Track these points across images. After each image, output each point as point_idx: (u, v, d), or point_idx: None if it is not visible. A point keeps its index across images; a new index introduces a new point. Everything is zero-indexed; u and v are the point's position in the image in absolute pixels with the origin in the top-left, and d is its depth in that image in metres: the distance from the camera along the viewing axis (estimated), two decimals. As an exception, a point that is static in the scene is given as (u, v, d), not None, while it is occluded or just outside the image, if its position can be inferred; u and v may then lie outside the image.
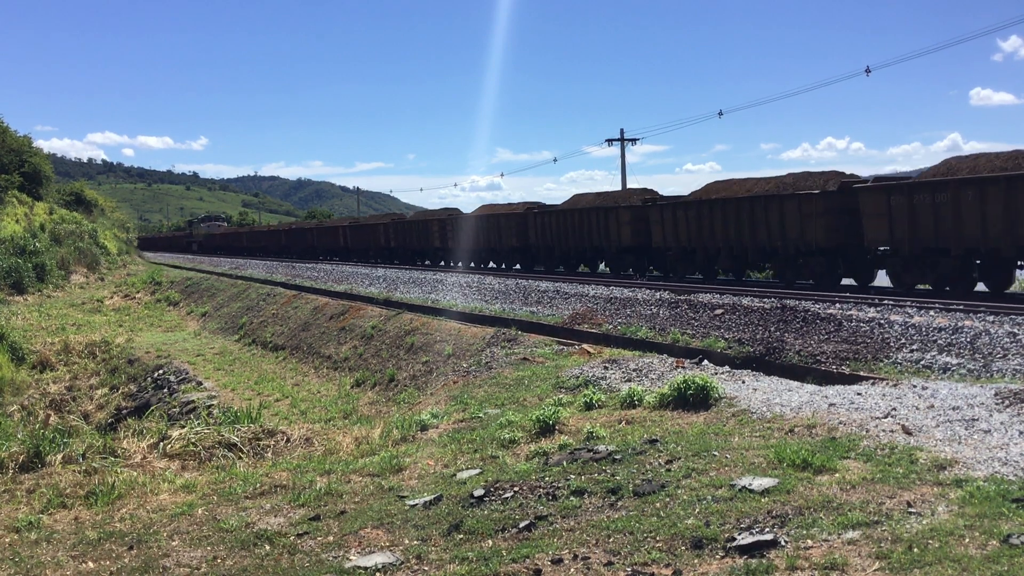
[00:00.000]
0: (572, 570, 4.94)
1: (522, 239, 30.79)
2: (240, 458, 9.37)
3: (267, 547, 5.98)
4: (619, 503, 5.93)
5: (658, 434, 7.46)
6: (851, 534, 4.79)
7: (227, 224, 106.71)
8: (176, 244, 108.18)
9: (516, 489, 6.55)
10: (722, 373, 10.38)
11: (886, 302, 14.04)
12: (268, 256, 61.79)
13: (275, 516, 6.74)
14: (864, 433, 6.68)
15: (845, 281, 19.69)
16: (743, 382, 9.55)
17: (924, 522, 4.83)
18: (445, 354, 15.89)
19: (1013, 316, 11.71)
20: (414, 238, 40.78)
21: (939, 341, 10.68)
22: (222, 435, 9.88)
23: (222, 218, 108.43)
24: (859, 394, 8.10)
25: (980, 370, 9.23)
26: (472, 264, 34.55)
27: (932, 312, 12.60)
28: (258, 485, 7.74)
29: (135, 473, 8.55)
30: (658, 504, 5.74)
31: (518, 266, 32.29)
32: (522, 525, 5.75)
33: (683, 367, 10.91)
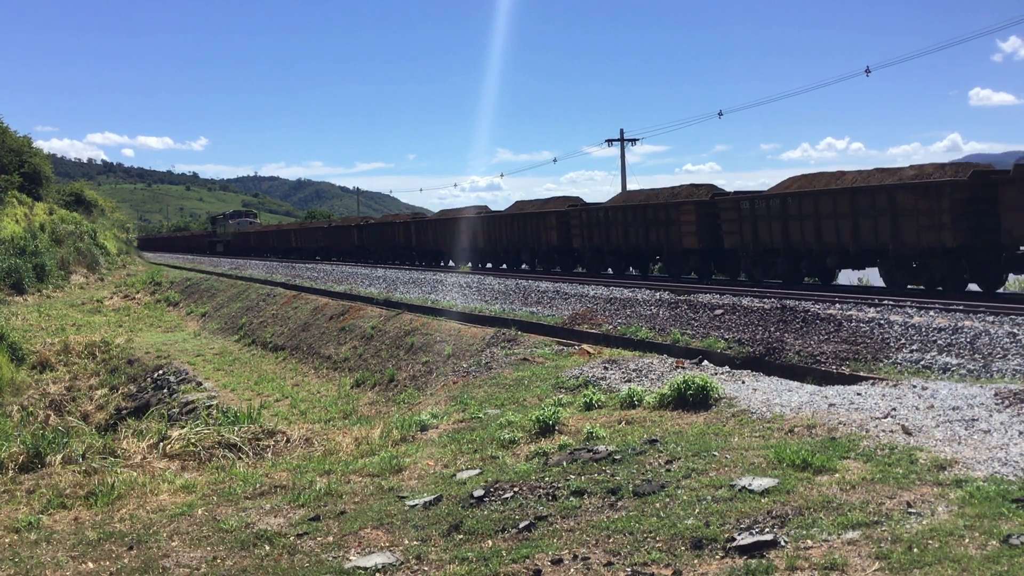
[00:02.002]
0: (572, 570, 4.95)
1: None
2: (240, 458, 9.36)
3: (267, 547, 5.98)
4: (619, 503, 5.93)
5: (658, 434, 7.46)
6: (851, 534, 4.80)
7: (259, 221, 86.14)
8: (193, 245, 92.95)
9: (516, 489, 6.56)
10: (722, 373, 10.39)
11: (886, 302, 14.04)
12: (335, 260, 48.42)
13: (275, 516, 6.74)
14: (864, 433, 6.68)
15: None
16: (743, 382, 9.55)
17: (924, 522, 4.83)
18: (445, 354, 15.89)
19: (1013, 316, 11.71)
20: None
21: (939, 341, 10.68)
22: (222, 435, 9.88)
23: (253, 214, 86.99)
24: (859, 394, 8.10)
25: (980, 370, 9.23)
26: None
27: (932, 312, 12.60)
28: (258, 485, 7.74)
29: (135, 473, 8.54)
30: (658, 504, 5.74)
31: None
32: (522, 525, 5.75)
33: (683, 367, 10.91)
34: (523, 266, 31.35)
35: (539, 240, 29.46)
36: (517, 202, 33.07)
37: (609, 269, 26.37)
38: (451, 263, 36.82)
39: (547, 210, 29.23)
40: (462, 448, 8.35)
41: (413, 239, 40.38)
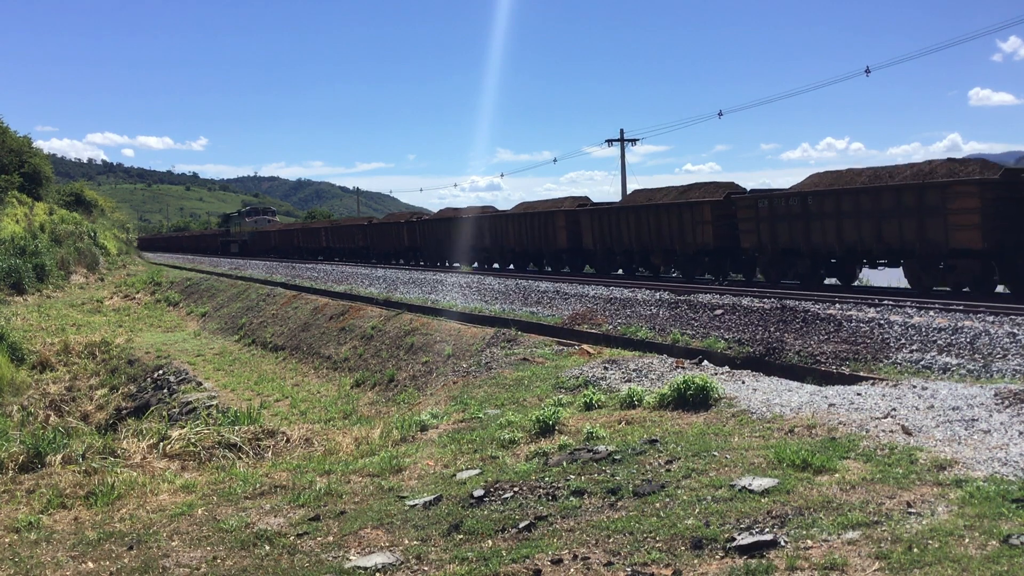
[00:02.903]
0: (572, 570, 4.94)
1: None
2: (240, 458, 9.37)
3: (267, 547, 5.98)
4: (619, 503, 5.93)
5: (658, 434, 7.46)
6: (851, 534, 4.79)
7: (278, 220, 77.44)
8: (202, 245, 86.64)
9: (516, 489, 6.56)
10: (722, 373, 10.38)
11: (886, 302, 14.04)
12: (374, 262, 42.82)
13: (275, 516, 6.74)
14: (864, 433, 6.68)
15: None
16: (743, 382, 9.55)
17: (924, 522, 4.83)
18: (445, 354, 15.89)
19: (1013, 316, 11.71)
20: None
21: (939, 341, 10.68)
22: (222, 435, 9.88)
23: (272, 211, 77.56)
24: (859, 394, 8.10)
25: (980, 370, 9.23)
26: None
27: (932, 312, 12.60)
28: (258, 485, 7.74)
29: (135, 473, 8.55)
30: (658, 504, 5.74)
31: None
32: (522, 525, 5.75)
33: (683, 367, 10.91)
34: (642, 271, 25.33)
35: (680, 239, 22.88)
36: (637, 191, 26.47)
37: (797, 279, 19.73)
38: (538, 268, 31.16)
39: (693, 200, 22.64)
40: (462, 448, 8.35)
41: (487, 239, 33.36)
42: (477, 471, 7.38)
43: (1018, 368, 9.10)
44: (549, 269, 29.80)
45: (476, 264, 34.54)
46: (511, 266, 31.94)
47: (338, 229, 50.57)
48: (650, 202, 24.27)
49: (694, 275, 23.02)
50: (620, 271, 25.90)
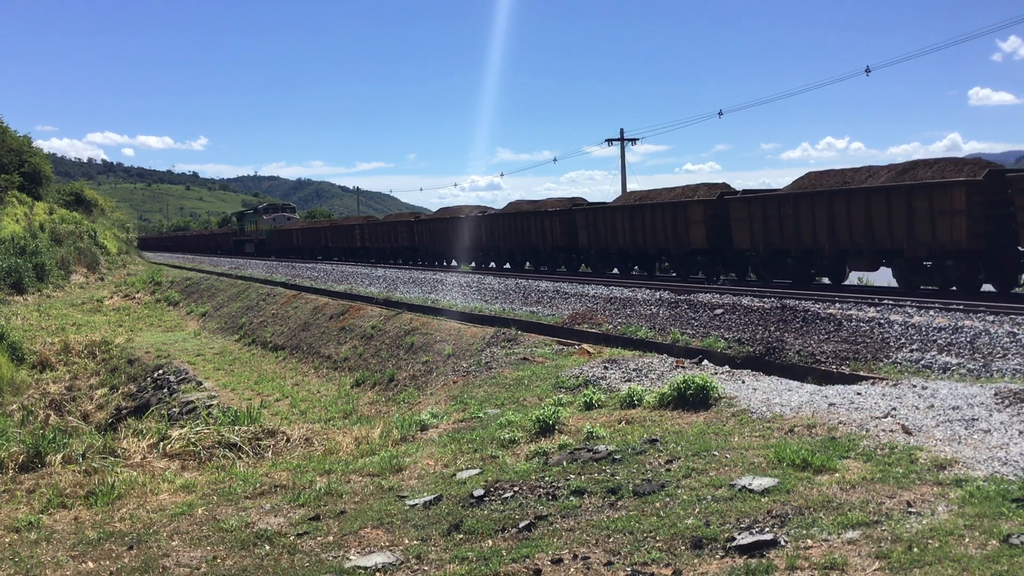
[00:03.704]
0: (572, 570, 4.94)
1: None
2: (240, 458, 9.37)
3: (267, 547, 5.98)
4: (619, 503, 5.93)
5: (658, 434, 7.46)
6: (851, 534, 4.79)
7: (297, 217, 70.44)
8: (211, 245, 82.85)
9: (516, 489, 6.56)
10: (722, 373, 10.38)
11: (886, 302, 14.04)
12: (421, 265, 37.73)
13: (275, 516, 6.74)
14: (864, 433, 6.68)
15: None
16: (743, 382, 9.55)
17: (924, 522, 4.83)
18: (445, 354, 15.89)
19: (1013, 316, 11.70)
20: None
21: (939, 341, 10.68)
22: (222, 435, 9.88)
23: (292, 208, 70.03)
24: (859, 394, 8.10)
25: (980, 370, 9.23)
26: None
27: (932, 312, 12.59)
28: (258, 485, 7.74)
29: (135, 473, 8.55)
30: (658, 504, 5.74)
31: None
32: (522, 525, 5.75)
33: (683, 367, 10.90)
34: (820, 279, 19.99)
35: (908, 236, 16.40)
36: (814, 173, 19.86)
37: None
38: (648, 273, 26.37)
39: (931, 180, 16.05)
40: (462, 448, 8.35)
41: (583, 236, 27.63)
42: (477, 471, 7.38)
43: (1018, 368, 9.10)
44: (674, 274, 24.46)
45: (564, 268, 29.54)
46: (615, 269, 27.13)
47: (375, 227, 44.33)
48: (846, 186, 17.93)
49: (920, 284, 16.89)
50: (788, 279, 19.90)
